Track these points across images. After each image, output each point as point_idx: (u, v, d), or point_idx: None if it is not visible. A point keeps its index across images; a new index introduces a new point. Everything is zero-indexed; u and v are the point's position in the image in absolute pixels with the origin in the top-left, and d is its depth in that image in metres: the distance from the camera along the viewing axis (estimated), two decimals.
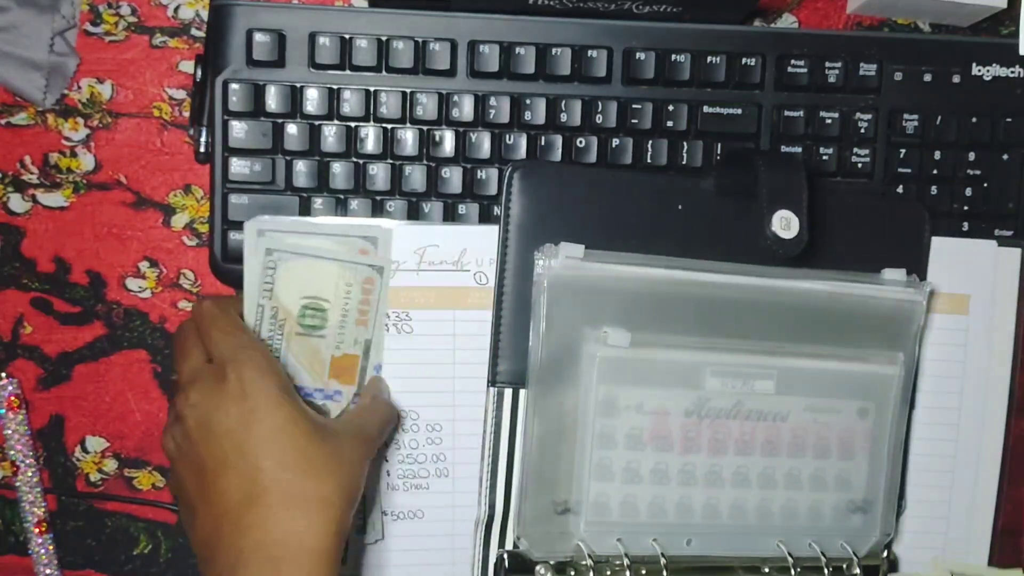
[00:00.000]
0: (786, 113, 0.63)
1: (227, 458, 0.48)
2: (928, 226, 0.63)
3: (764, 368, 0.60)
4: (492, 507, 0.59)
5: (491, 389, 0.59)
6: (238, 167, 0.60)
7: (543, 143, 0.62)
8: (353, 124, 0.61)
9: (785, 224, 0.57)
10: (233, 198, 0.60)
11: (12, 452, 0.63)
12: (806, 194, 0.57)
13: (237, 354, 0.50)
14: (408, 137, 0.61)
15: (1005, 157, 0.65)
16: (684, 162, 0.62)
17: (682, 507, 0.59)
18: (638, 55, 0.62)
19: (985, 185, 0.65)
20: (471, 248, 0.59)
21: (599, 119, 0.62)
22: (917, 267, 0.62)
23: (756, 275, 0.59)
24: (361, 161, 0.61)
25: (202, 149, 0.61)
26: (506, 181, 0.58)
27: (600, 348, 0.57)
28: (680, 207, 0.60)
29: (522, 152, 0.61)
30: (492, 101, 0.61)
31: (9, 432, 0.63)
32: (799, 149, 0.63)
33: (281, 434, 0.48)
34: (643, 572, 0.58)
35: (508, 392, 0.58)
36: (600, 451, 0.58)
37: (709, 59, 0.62)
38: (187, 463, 0.50)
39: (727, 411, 0.59)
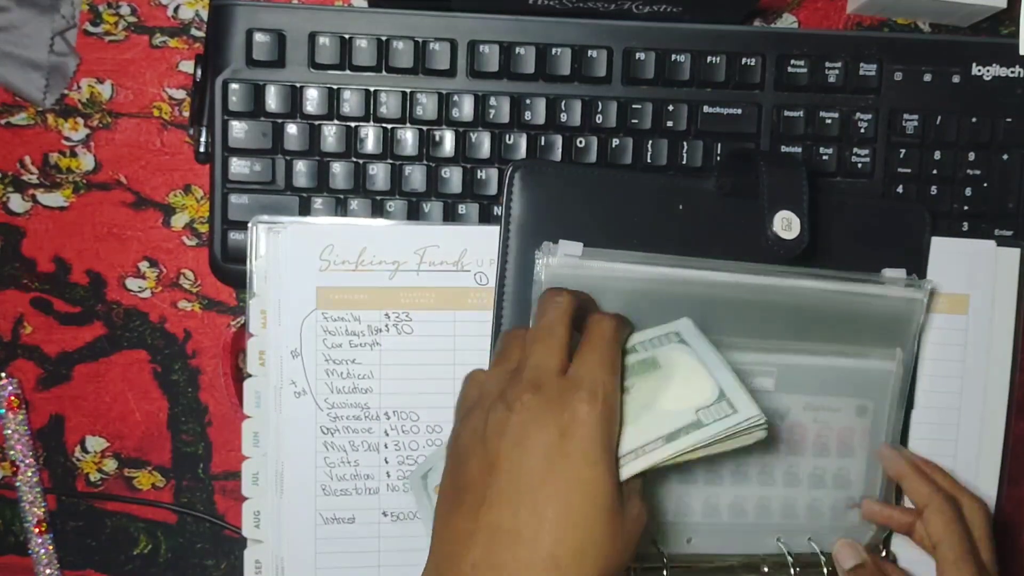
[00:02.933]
0: (786, 113, 0.63)
1: (517, 471, 0.44)
2: (929, 227, 0.63)
3: (764, 366, 0.60)
4: None
5: None
6: (238, 167, 0.60)
7: (543, 143, 0.62)
8: (353, 124, 0.61)
9: (786, 225, 0.57)
10: (233, 198, 0.60)
11: (12, 452, 0.63)
12: (807, 195, 0.57)
13: (600, 391, 0.46)
14: (408, 137, 0.61)
15: (1005, 157, 0.65)
16: (684, 162, 0.62)
17: (681, 505, 0.59)
18: (638, 55, 0.62)
19: (985, 185, 0.65)
20: (471, 248, 0.59)
21: (599, 119, 0.62)
22: (917, 267, 0.62)
23: (756, 273, 0.59)
24: (361, 161, 0.61)
25: (202, 149, 0.61)
26: (507, 180, 0.58)
27: None
28: (681, 207, 0.60)
29: (522, 152, 0.61)
30: (492, 101, 0.61)
31: (9, 432, 0.63)
32: (799, 149, 0.63)
33: (575, 492, 0.44)
34: (643, 571, 0.58)
35: None
36: None
37: (709, 59, 0.62)
38: (482, 448, 0.46)
39: None
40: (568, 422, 0.45)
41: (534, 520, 0.44)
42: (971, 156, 0.65)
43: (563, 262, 0.57)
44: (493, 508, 0.44)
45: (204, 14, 0.63)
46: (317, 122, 0.61)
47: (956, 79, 0.64)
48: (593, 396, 0.45)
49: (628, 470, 0.47)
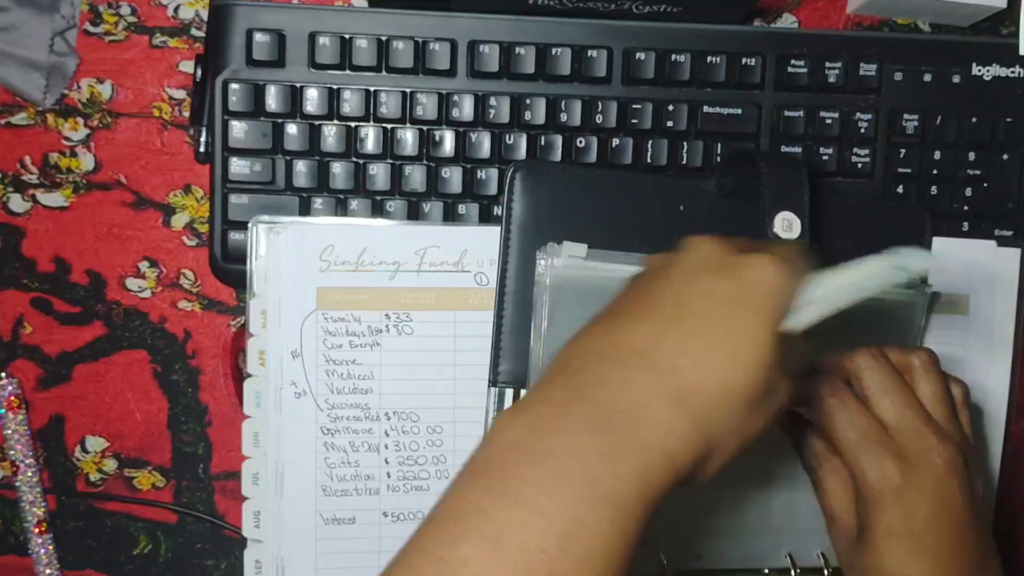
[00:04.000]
0: (786, 113, 0.63)
1: (674, 301, 0.42)
2: (929, 229, 0.63)
3: None
4: None
5: (492, 390, 0.58)
6: (238, 167, 0.60)
7: (543, 143, 0.62)
8: (353, 124, 0.61)
9: (787, 226, 0.57)
10: (233, 198, 0.60)
11: (12, 452, 0.63)
12: (808, 196, 0.57)
13: (794, 256, 0.44)
14: (408, 137, 0.61)
15: (1005, 157, 0.65)
16: (684, 162, 0.62)
17: (682, 508, 0.59)
18: (638, 55, 0.62)
19: (985, 185, 0.65)
20: (472, 249, 0.59)
21: (599, 119, 0.62)
22: None
23: None
24: (361, 161, 0.61)
25: (202, 149, 0.61)
26: (507, 181, 0.58)
27: None
28: (682, 208, 0.60)
29: (522, 152, 0.61)
30: (492, 101, 0.61)
31: (9, 432, 0.63)
32: (799, 149, 0.63)
33: (733, 341, 0.41)
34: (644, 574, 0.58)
35: (509, 392, 0.58)
36: None
37: (709, 59, 0.62)
38: (644, 280, 0.45)
39: None
40: (751, 278, 0.42)
41: (675, 350, 0.40)
42: (971, 156, 0.65)
43: (567, 263, 0.57)
44: (633, 324, 0.42)
45: (204, 14, 0.63)
46: (317, 122, 0.60)
47: (956, 79, 0.64)
48: (785, 260, 0.43)
49: (792, 322, 0.43)
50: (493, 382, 0.58)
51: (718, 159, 0.63)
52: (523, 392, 0.58)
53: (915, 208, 0.63)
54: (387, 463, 0.59)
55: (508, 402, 0.58)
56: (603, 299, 0.57)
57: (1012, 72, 0.64)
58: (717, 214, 0.60)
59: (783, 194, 0.57)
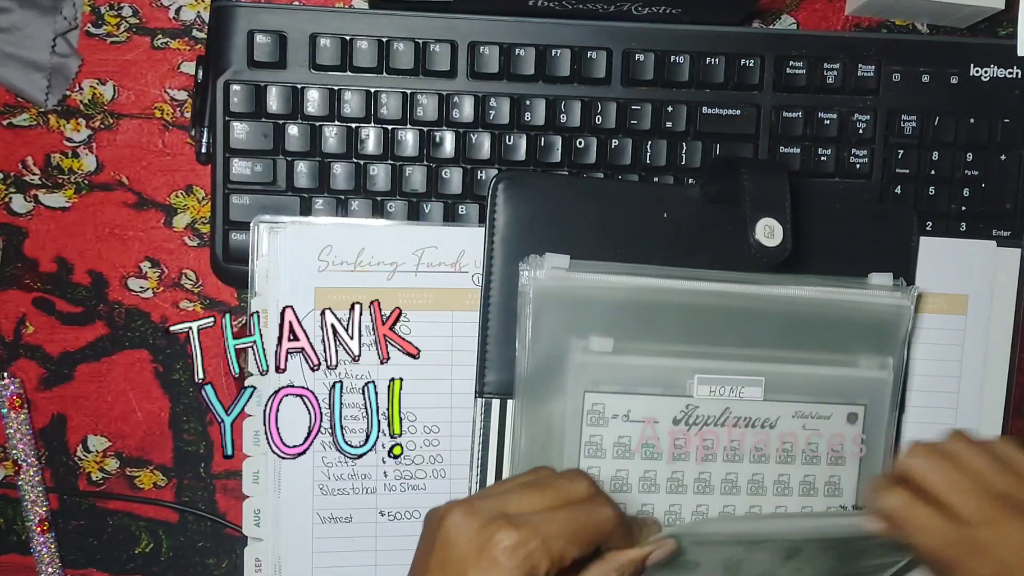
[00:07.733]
0: (785, 114, 0.63)
1: None
2: (916, 229, 0.63)
3: (752, 374, 0.60)
4: None
5: (479, 400, 0.59)
6: (239, 168, 0.60)
7: (543, 144, 0.62)
8: (354, 125, 0.61)
9: (769, 232, 0.57)
10: (234, 199, 0.61)
11: (14, 451, 0.63)
12: (789, 202, 0.57)
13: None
14: (408, 138, 0.61)
15: (1003, 158, 0.65)
16: (683, 163, 0.63)
17: (671, 515, 0.59)
18: (637, 56, 0.62)
19: (983, 185, 0.65)
20: (469, 250, 0.59)
21: (599, 120, 0.62)
22: (905, 270, 0.62)
23: (742, 282, 0.59)
24: (362, 162, 0.61)
25: (203, 150, 0.61)
26: (490, 192, 0.59)
27: (585, 356, 0.57)
28: (665, 215, 0.60)
29: (522, 153, 0.62)
30: (492, 102, 0.61)
31: (11, 431, 0.63)
32: (797, 150, 0.64)
33: None
34: None
35: (496, 403, 0.59)
36: (588, 460, 0.58)
37: (708, 60, 0.62)
38: None
39: (715, 418, 0.59)
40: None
41: None
42: (969, 157, 0.65)
43: (550, 275, 0.57)
44: None
45: (205, 16, 0.63)
46: (318, 123, 0.61)
47: (954, 80, 0.64)
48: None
49: None
50: (480, 392, 0.59)
51: (705, 166, 0.62)
52: (510, 403, 0.58)
53: (902, 209, 0.63)
54: (384, 463, 0.60)
55: (495, 412, 0.58)
56: (586, 308, 0.57)
57: (1010, 73, 0.65)
58: (701, 221, 0.60)
59: (765, 201, 0.57)
